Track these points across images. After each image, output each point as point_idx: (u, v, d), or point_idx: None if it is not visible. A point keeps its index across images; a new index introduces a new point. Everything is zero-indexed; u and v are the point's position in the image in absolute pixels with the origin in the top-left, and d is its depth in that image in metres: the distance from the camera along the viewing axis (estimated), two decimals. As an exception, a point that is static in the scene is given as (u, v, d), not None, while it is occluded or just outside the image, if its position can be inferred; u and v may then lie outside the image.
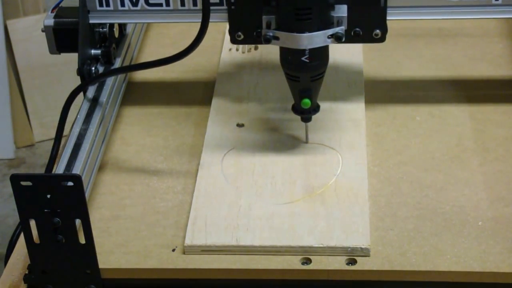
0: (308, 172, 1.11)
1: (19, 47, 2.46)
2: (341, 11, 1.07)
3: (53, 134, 1.12)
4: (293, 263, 1.00)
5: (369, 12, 1.09)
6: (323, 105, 1.22)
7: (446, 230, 1.03)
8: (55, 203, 0.95)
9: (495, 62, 1.32)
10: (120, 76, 1.25)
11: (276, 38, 1.06)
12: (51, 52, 1.20)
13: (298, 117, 1.20)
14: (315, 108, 1.13)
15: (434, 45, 1.36)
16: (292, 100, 1.13)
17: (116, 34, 1.25)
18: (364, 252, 1.00)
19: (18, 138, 2.54)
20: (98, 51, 1.20)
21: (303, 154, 1.14)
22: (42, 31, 1.18)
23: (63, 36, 1.18)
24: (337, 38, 1.05)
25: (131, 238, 1.05)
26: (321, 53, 1.08)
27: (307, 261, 1.00)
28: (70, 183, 0.94)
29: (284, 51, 1.08)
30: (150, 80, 1.33)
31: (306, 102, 1.10)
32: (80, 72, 1.16)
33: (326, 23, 1.05)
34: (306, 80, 1.09)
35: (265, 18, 1.06)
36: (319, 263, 1.00)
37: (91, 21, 1.17)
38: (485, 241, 1.01)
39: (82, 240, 0.97)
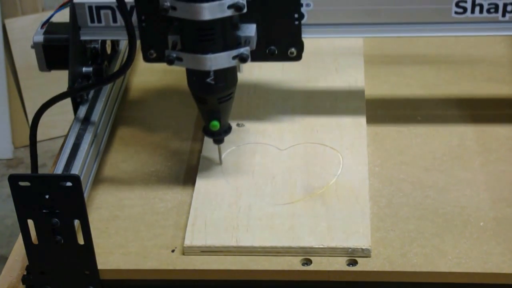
0: (308, 172, 1.10)
1: (17, 46, 2.46)
2: (249, 30, 1.04)
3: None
4: (293, 264, 1.00)
5: (283, 30, 1.07)
6: (325, 104, 1.22)
7: (448, 230, 1.03)
8: (53, 203, 0.94)
9: (497, 63, 1.31)
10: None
11: (180, 59, 1.02)
12: (41, 69, 1.16)
13: (298, 117, 1.20)
14: (226, 130, 1.09)
15: (435, 46, 1.35)
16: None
17: (109, 51, 1.21)
18: (365, 253, 1.00)
19: (16, 138, 2.53)
20: (90, 69, 1.15)
21: (304, 154, 1.14)
22: (32, 47, 1.14)
23: (53, 53, 1.14)
24: (242, 59, 1.02)
25: (130, 239, 1.04)
26: (227, 75, 1.04)
27: (308, 262, 1.00)
28: (69, 184, 0.93)
29: (189, 72, 1.04)
30: (150, 80, 1.32)
31: (215, 124, 1.06)
32: None
33: (232, 43, 1.02)
34: (213, 102, 1.05)
35: (170, 38, 1.03)
36: (320, 264, 0.99)
37: (82, 38, 1.12)
38: (487, 242, 1.01)
39: (81, 240, 0.97)
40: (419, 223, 1.04)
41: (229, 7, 0.98)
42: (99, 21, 1.11)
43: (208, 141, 1.16)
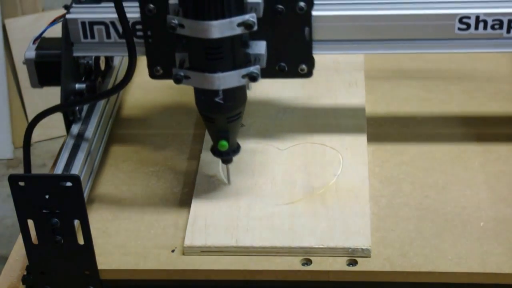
0: (308, 172, 1.10)
1: (17, 46, 2.45)
2: (258, 48, 1.01)
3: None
4: (294, 264, 1.00)
5: (294, 46, 1.04)
6: (325, 105, 1.21)
7: (448, 231, 1.03)
8: (53, 203, 0.94)
9: (497, 64, 1.31)
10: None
11: (187, 78, 0.99)
12: (33, 86, 1.13)
13: (299, 117, 1.19)
14: (235, 149, 1.06)
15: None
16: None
17: (102, 67, 1.19)
18: (365, 253, 1.00)
19: (17, 138, 2.53)
20: (83, 85, 1.12)
21: (304, 154, 1.14)
22: (23, 63, 1.11)
23: (45, 69, 1.10)
24: (251, 78, 0.98)
25: (130, 239, 1.04)
26: (236, 93, 1.01)
27: (308, 262, 1.00)
28: (69, 184, 0.93)
29: (197, 91, 1.01)
30: (150, 81, 1.32)
31: (223, 144, 1.03)
32: None
33: (241, 61, 0.99)
34: (222, 122, 1.02)
35: (178, 56, 1.00)
36: (320, 264, 0.99)
37: (75, 54, 1.09)
38: (487, 242, 1.01)
39: (80, 241, 0.97)
40: (419, 223, 1.04)
41: (239, 25, 0.95)
42: (93, 37, 1.08)
43: (207, 142, 1.16)
